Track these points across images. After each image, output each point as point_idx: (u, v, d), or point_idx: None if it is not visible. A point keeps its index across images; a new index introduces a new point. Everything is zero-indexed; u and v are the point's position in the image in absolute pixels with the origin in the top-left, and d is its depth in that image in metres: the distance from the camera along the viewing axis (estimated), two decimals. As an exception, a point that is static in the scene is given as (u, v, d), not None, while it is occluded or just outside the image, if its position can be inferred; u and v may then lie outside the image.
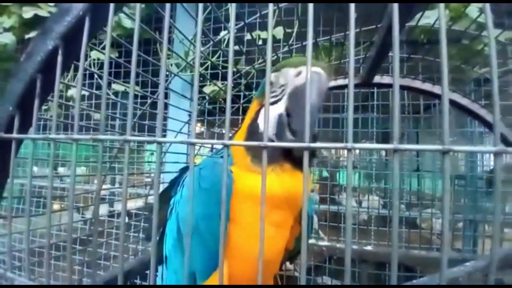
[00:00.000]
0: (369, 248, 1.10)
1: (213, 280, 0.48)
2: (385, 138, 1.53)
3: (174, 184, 0.60)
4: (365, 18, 0.82)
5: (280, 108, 0.48)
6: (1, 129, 0.36)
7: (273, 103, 0.49)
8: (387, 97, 1.26)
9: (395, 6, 0.28)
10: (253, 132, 0.50)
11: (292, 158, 0.48)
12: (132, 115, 0.29)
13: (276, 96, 0.50)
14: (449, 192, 0.30)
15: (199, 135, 1.98)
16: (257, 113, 0.52)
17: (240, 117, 1.40)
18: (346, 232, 0.29)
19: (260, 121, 0.51)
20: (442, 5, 0.29)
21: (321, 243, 1.15)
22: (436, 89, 1.05)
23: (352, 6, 0.29)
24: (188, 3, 1.29)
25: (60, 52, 0.32)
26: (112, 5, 0.30)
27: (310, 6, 0.29)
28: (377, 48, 0.72)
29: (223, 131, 1.31)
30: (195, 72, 0.28)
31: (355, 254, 1.09)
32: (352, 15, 0.29)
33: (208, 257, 0.46)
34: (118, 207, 2.21)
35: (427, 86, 1.03)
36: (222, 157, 0.48)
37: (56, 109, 0.32)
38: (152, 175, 1.94)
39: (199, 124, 1.85)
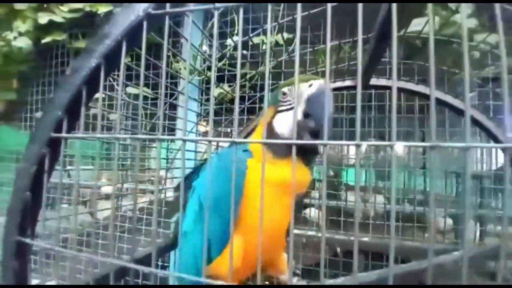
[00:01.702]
0: (365, 239, 1.17)
1: (228, 251, 0.57)
2: (383, 137, 1.60)
3: (193, 173, 0.69)
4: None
5: (296, 111, 0.58)
6: (51, 129, 0.44)
7: (288, 109, 0.61)
8: (383, 99, 1.34)
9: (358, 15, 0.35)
10: (271, 133, 0.60)
11: (301, 155, 0.58)
12: (162, 118, 0.37)
13: (291, 104, 0.61)
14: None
15: (205, 134, 2.05)
16: (272, 118, 0.62)
17: (245, 117, 1.48)
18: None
19: (276, 124, 0.62)
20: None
21: (320, 234, 1.22)
22: (428, 91, 1.12)
23: (329, 6, 0.36)
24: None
25: (102, 68, 0.40)
26: (145, 31, 0.38)
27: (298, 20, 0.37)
28: (369, 55, 0.79)
29: (228, 130, 1.39)
30: (211, 87, 0.36)
31: (351, 245, 1.16)
32: (329, 16, 0.36)
33: (223, 231, 0.54)
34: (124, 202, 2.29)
35: (420, 88, 1.10)
36: (244, 150, 0.61)
37: (100, 113, 0.40)
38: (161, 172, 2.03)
39: (204, 123, 1.93)
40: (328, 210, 1.48)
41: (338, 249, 1.40)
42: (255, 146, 0.61)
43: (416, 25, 0.95)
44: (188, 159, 1.22)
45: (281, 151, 0.57)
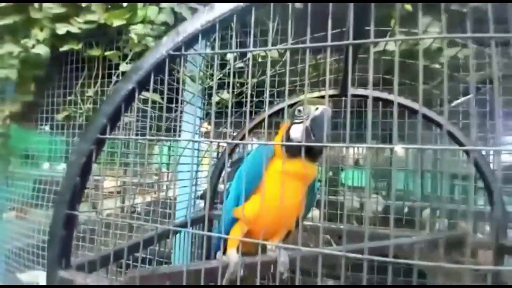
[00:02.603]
0: (341, 226, 1.34)
1: (251, 201, 0.82)
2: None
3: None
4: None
5: (305, 125, 0.83)
6: (98, 132, 0.62)
7: (300, 122, 0.84)
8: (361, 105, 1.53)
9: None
10: (287, 139, 0.86)
11: (309, 155, 0.80)
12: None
13: (302, 119, 0.84)
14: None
15: (207, 134, 2.23)
16: (289, 128, 0.86)
17: (243, 120, 1.65)
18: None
19: (291, 132, 0.86)
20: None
21: (307, 222, 1.39)
22: (400, 100, 1.30)
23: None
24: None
25: (136, 90, 0.58)
26: (167, 67, 0.56)
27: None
28: (343, 71, 0.96)
29: (228, 131, 1.57)
30: (212, 99, 0.53)
31: (330, 232, 1.34)
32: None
33: (248, 190, 0.80)
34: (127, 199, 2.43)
35: (391, 97, 1.27)
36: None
37: (135, 121, 0.57)
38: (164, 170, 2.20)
39: (205, 124, 2.11)
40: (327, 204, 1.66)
41: (328, 237, 1.58)
42: (275, 148, 0.85)
43: (386, 44, 1.12)
44: (190, 156, 1.40)
45: (293, 152, 0.78)
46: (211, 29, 0.56)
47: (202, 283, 0.62)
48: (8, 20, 2.25)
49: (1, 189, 2.55)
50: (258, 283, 0.63)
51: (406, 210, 1.85)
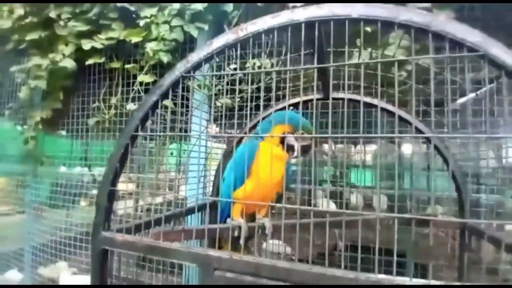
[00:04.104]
0: (333, 206, 1.58)
1: (245, 185, 1.00)
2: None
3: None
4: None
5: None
6: (133, 130, 0.88)
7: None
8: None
9: None
10: (283, 140, 1.08)
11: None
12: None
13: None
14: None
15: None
16: (288, 132, 1.11)
17: (244, 121, 1.90)
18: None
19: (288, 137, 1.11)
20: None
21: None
22: (374, 101, 1.53)
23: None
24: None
25: (159, 101, 0.84)
26: (180, 84, 0.82)
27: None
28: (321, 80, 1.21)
29: (229, 131, 1.84)
30: (212, 103, 0.78)
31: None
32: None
33: (242, 174, 0.99)
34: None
35: (367, 99, 1.50)
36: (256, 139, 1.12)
37: (160, 122, 0.83)
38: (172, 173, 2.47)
39: (214, 126, 2.37)
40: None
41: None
42: (268, 138, 1.09)
43: (355, 57, 1.36)
44: (197, 151, 1.66)
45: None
46: (211, 58, 0.82)
47: (205, 238, 0.87)
48: (34, 36, 2.54)
49: (31, 187, 2.86)
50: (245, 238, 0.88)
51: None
